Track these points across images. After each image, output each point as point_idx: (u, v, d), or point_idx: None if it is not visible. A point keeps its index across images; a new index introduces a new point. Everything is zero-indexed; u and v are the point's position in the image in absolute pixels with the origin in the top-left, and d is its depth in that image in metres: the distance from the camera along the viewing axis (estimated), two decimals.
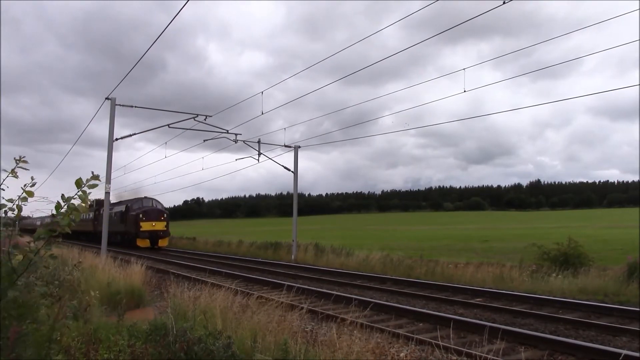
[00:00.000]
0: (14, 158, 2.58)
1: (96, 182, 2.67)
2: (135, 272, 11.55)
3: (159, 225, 34.59)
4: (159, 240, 34.55)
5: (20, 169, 2.62)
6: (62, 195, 2.65)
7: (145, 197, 37.37)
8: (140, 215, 34.04)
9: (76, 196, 2.66)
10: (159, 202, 37.49)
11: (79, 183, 2.62)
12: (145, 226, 33.80)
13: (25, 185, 2.59)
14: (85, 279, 9.26)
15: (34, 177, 2.67)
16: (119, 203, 39.66)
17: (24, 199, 2.59)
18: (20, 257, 2.53)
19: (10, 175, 2.56)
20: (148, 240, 33.73)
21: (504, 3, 10.48)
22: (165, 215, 35.76)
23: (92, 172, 2.71)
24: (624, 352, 6.04)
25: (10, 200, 2.57)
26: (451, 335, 6.67)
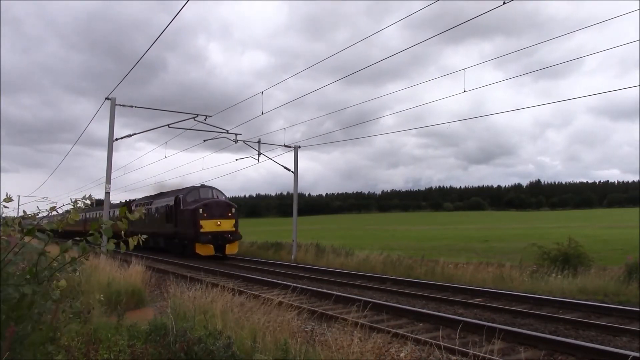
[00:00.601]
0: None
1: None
2: (135, 272, 11.55)
3: (227, 225, 24.86)
4: (227, 246, 24.75)
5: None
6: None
7: (203, 186, 27.22)
8: (200, 211, 24.22)
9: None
10: (220, 191, 27.71)
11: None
12: (208, 226, 24.06)
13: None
14: (86, 279, 9.27)
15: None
16: (162, 195, 29.68)
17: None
18: (63, 282, 2.59)
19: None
20: (212, 246, 23.98)
21: (504, 3, 10.48)
22: (233, 210, 25.95)
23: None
24: (633, 354, 6.02)
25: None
26: (456, 336, 6.67)
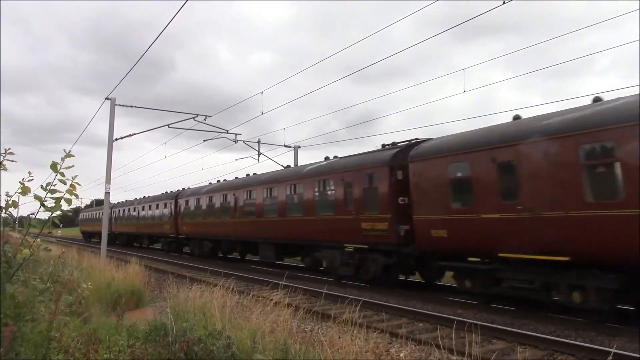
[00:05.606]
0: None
1: None
2: (134, 272, 11.56)
3: None
4: None
5: (9, 162, 2.66)
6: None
7: None
8: None
9: None
10: None
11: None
12: None
13: (23, 179, 2.64)
14: (85, 279, 9.27)
15: (38, 177, 2.70)
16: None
17: (23, 193, 2.63)
18: (27, 251, 2.54)
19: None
20: None
21: (503, 3, 10.49)
22: None
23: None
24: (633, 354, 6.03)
25: (9, 196, 2.61)
26: (456, 336, 6.66)
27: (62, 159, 2.75)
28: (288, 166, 19.88)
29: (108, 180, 19.11)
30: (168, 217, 28.97)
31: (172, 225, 28.21)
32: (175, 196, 28.39)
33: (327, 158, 16.80)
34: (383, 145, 14.26)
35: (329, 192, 14.99)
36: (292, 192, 16.97)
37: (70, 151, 2.82)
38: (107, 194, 19.42)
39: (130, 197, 43.70)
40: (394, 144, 13.75)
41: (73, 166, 2.79)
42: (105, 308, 8.31)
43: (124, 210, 39.27)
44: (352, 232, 13.68)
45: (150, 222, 32.31)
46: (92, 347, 3.63)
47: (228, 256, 24.69)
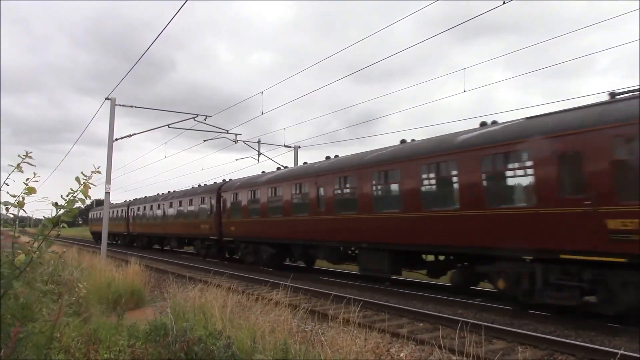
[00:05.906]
0: (18, 154, 2.69)
1: None
2: (134, 272, 11.57)
3: None
4: None
5: (25, 164, 2.70)
6: None
7: None
8: None
9: None
10: None
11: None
12: None
13: (27, 179, 2.67)
14: (85, 279, 9.28)
15: (40, 177, 2.72)
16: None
17: (27, 193, 2.67)
18: (22, 256, 2.56)
19: (15, 169, 2.65)
20: None
21: (503, 3, 10.50)
22: None
23: None
24: (633, 354, 6.02)
25: (14, 196, 2.64)
26: (456, 336, 6.67)
27: (92, 173, 2.91)
28: (404, 141, 13.88)
29: (108, 181, 19.13)
30: (207, 215, 23.40)
31: (212, 225, 22.60)
32: (218, 189, 22.67)
33: (484, 123, 11.31)
34: (612, 95, 8.75)
35: (520, 172, 9.84)
36: (433, 176, 11.92)
37: (98, 168, 2.97)
38: (107, 194, 19.44)
39: (129, 197, 42.67)
40: None
41: (95, 185, 2.94)
42: (106, 308, 8.32)
43: (144, 207, 33.07)
44: (577, 235, 8.49)
45: (182, 222, 26.70)
46: (92, 347, 3.63)
47: (284, 263, 19.45)
